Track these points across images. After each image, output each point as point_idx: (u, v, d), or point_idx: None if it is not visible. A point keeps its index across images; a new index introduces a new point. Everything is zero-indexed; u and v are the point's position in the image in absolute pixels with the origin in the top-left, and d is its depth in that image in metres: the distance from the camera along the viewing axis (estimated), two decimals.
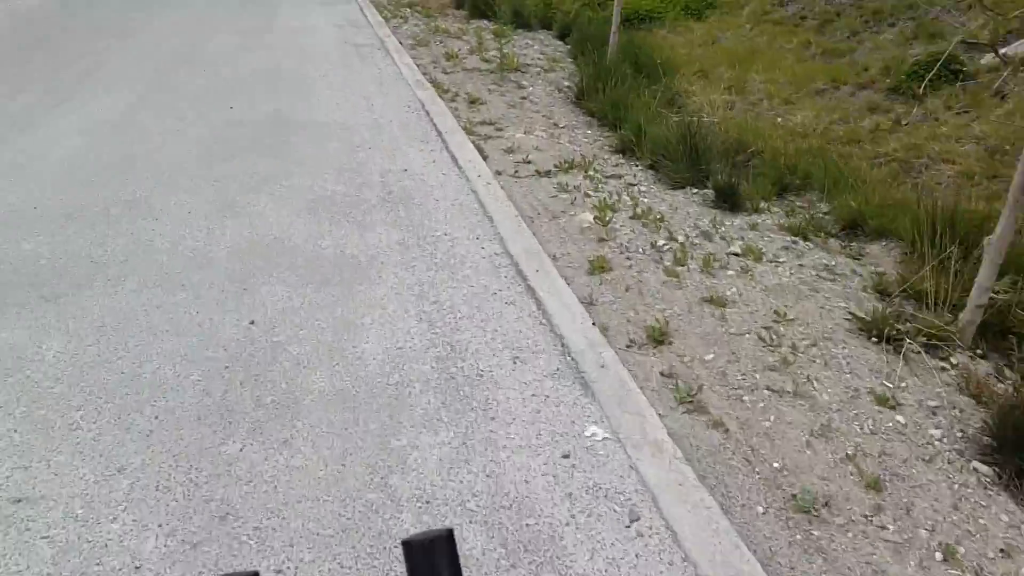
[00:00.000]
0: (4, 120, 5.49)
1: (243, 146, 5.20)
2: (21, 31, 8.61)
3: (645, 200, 4.76)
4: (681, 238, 4.20)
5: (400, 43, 8.81)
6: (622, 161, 5.60)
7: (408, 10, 11.03)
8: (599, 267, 3.82)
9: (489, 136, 5.87)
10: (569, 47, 9.08)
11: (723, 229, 4.38)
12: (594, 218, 4.33)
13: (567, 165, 5.25)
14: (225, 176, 4.64)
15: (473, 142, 5.64)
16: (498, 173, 5.10)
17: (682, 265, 3.89)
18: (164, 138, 5.28)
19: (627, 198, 4.75)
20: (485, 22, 10.41)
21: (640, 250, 4.04)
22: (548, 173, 5.15)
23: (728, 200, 4.69)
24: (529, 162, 5.34)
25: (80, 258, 3.53)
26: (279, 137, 5.42)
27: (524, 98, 6.95)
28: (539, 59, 8.45)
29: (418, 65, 7.84)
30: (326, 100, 6.40)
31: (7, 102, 5.93)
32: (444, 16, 10.75)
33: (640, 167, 5.44)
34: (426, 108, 6.32)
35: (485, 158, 5.33)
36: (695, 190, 4.99)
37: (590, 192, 4.83)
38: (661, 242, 4.13)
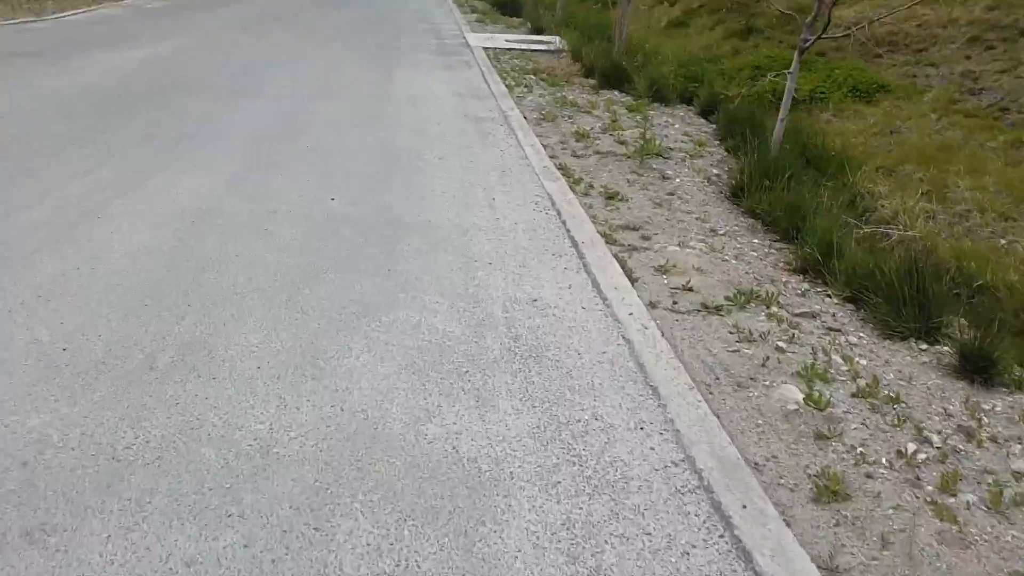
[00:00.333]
0: (71, 206, 4.70)
1: (341, 256, 4.20)
2: (130, 85, 8.08)
3: (862, 361, 3.44)
4: (936, 439, 2.87)
5: (524, 117, 7.81)
6: (807, 287, 4.31)
7: (533, 77, 10.09)
8: (830, 492, 2.53)
9: (635, 247, 4.69)
10: (715, 127, 7.87)
11: (986, 421, 3.02)
12: (804, 398, 3.06)
13: (743, 297, 4.01)
14: (312, 305, 3.62)
15: (616, 256, 4.47)
16: (652, 306, 3.90)
17: (954, 495, 2.57)
18: (247, 240, 4.34)
19: (837, 357, 3.45)
20: (616, 94, 9.34)
21: (883, 460, 2.73)
22: (719, 309, 3.91)
23: (980, 370, 3.33)
24: (691, 289, 4.12)
25: (100, 449, 2.50)
26: (384, 244, 4.40)
27: (671, 194, 5.75)
28: (682, 141, 7.27)
29: (545, 146, 6.79)
30: (441, 191, 5.39)
31: (81, 181, 5.17)
32: (571, 86, 9.75)
33: (835, 299, 4.14)
34: (556, 206, 5.21)
35: (634, 282, 4.15)
36: (923, 345, 3.64)
37: (783, 344, 3.56)
38: (910, 446, 2.81)
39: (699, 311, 3.89)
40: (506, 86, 9.38)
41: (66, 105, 7.36)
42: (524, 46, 12.59)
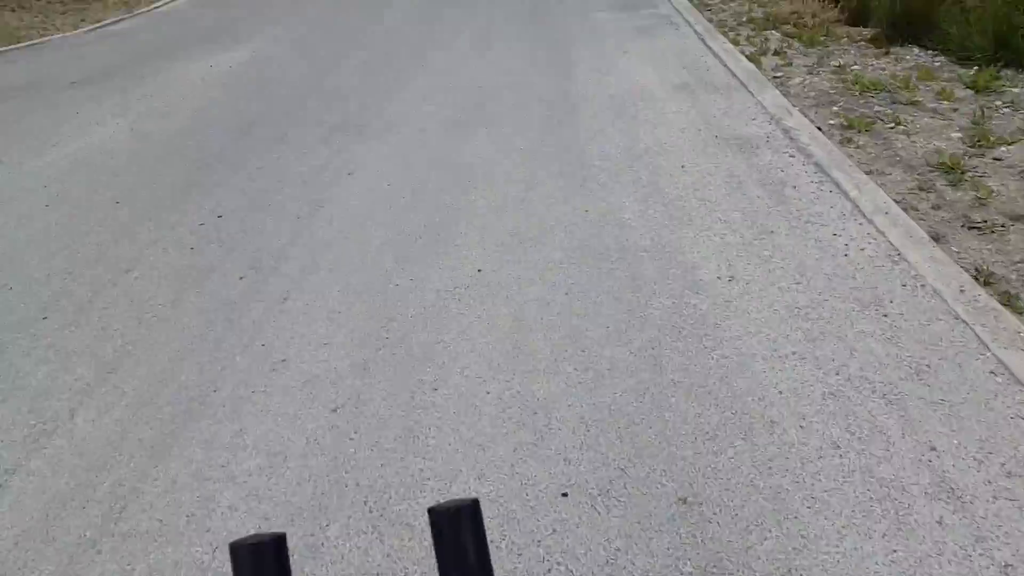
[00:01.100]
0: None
1: None
2: (198, 128, 5.33)
3: None
4: None
5: (818, 129, 4.38)
6: None
7: (775, 34, 6.49)
8: None
9: None
10: None
11: None
12: None
13: None
14: None
15: None
16: None
17: None
18: None
19: None
20: (919, 53, 5.65)
21: None
22: None
23: None
24: None
25: None
26: None
27: None
28: None
29: (900, 205, 3.40)
30: (797, 445, 2.19)
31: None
32: (838, 43, 6.11)
33: None
34: None
35: None
36: None
37: None
38: None
39: None
40: (746, 58, 5.87)
41: (89, 195, 4.49)
42: None
